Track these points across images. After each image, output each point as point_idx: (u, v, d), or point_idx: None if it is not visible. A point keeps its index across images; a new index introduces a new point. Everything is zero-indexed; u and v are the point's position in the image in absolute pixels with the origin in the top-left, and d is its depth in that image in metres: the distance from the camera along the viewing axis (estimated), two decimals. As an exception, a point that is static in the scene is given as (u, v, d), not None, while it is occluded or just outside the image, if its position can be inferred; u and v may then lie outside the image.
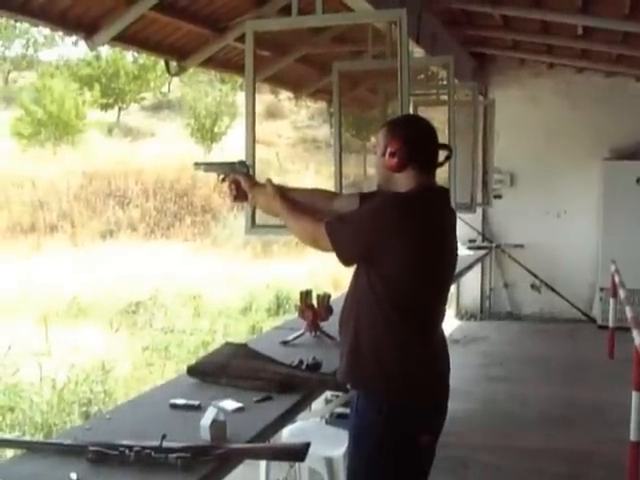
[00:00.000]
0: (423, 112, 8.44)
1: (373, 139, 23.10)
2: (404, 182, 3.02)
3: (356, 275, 3.07)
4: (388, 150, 3.00)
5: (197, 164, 3.53)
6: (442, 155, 3.14)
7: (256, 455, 2.94)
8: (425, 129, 3.13)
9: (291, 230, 3.25)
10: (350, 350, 3.02)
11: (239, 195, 3.31)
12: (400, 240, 2.86)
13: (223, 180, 3.35)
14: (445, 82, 7.41)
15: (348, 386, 3.13)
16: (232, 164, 3.38)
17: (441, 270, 3.06)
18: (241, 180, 3.30)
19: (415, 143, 3.02)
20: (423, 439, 3.00)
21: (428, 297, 3.02)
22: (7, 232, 21.64)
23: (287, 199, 3.23)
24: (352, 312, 3.04)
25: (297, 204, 3.23)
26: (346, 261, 3.01)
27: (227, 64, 7.79)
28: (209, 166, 3.46)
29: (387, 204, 2.98)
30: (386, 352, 2.95)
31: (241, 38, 5.87)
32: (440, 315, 3.14)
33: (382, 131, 3.08)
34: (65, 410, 7.62)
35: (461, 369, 7.91)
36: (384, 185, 3.09)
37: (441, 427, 3.12)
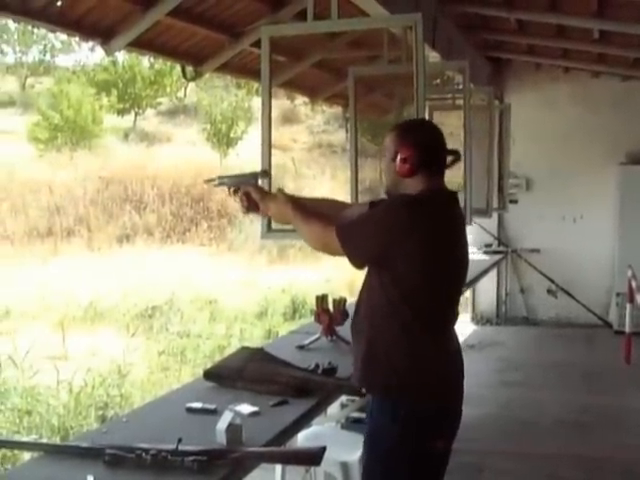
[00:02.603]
0: (438, 117, 8.44)
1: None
2: (414, 186, 3.02)
3: (368, 278, 3.07)
4: (399, 156, 2.99)
5: (212, 179, 3.50)
6: (448, 158, 3.15)
7: (272, 459, 2.95)
8: (434, 134, 3.14)
9: (302, 235, 3.24)
10: (364, 354, 3.02)
11: (250, 206, 3.32)
12: (410, 242, 2.87)
13: (235, 192, 3.35)
14: (461, 87, 7.40)
15: (363, 390, 3.14)
16: (251, 174, 3.39)
17: (452, 272, 3.06)
18: (251, 191, 3.30)
19: (425, 148, 3.02)
20: (437, 443, 2.99)
21: (440, 299, 3.01)
22: (24, 237, 21.71)
23: (298, 206, 3.24)
24: (365, 316, 3.05)
25: (308, 210, 3.23)
26: (358, 264, 3.02)
27: (243, 69, 7.83)
28: (222, 179, 3.45)
29: (397, 206, 2.99)
30: (399, 355, 2.95)
31: (257, 43, 5.88)
32: (453, 318, 3.13)
33: (391, 136, 3.08)
34: (82, 413, 7.65)
35: (477, 374, 7.88)
36: (393, 190, 3.08)
37: (455, 431, 3.12)
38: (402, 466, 2.95)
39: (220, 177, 3.44)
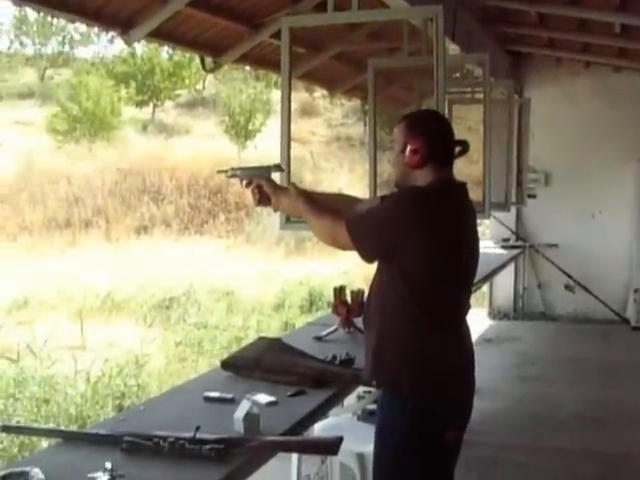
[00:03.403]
0: (458, 110, 8.42)
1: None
2: (423, 177, 3.01)
3: (378, 272, 3.06)
4: (409, 147, 2.98)
5: (225, 170, 3.51)
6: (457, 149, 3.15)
7: (289, 448, 2.96)
8: (443, 124, 3.15)
9: (313, 229, 3.25)
10: (374, 347, 3.02)
11: (262, 199, 3.32)
12: (420, 234, 2.86)
13: (247, 185, 3.36)
14: (480, 80, 7.38)
15: (373, 383, 3.14)
16: (265, 168, 3.39)
17: (462, 264, 3.05)
18: (264, 184, 3.31)
19: (435, 139, 3.01)
20: (448, 435, 3.00)
21: (449, 293, 3.00)
22: (42, 227, 21.83)
23: (310, 200, 3.24)
24: (375, 310, 3.05)
25: (320, 205, 3.23)
26: (367, 258, 3.02)
27: (262, 61, 7.82)
28: (234, 171, 3.46)
29: (404, 199, 2.98)
30: (409, 349, 2.95)
31: (276, 34, 5.88)
32: (463, 310, 3.13)
33: (399, 127, 3.07)
34: (99, 403, 7.69)
35: (493, 368, 7.88)
36: (402, 181, 3.07)
37: (467, 422, 3.12)
38: (412, 458, 2.96)
39: (233, 169, 3.44)
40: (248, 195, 3.41)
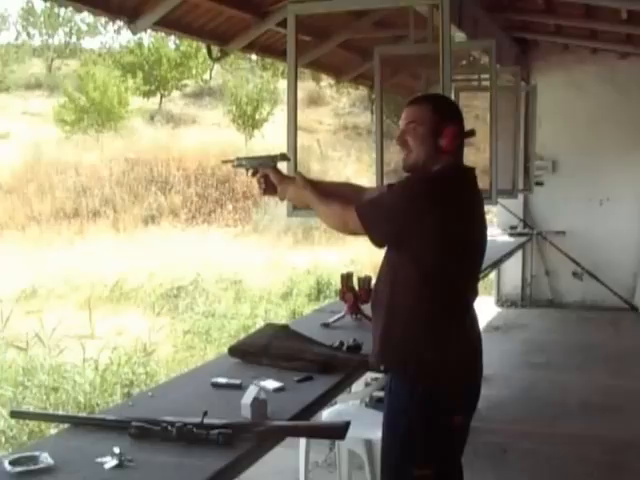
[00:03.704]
0: (464, 98, 8.42)
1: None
2: (443, 162, 2.99)
3: (387, 257, 3.06)
4: (448, 131, 2.95)
5: (230, 160, 3.51)
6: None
7: (296, 433, 2.96)
8: (459, 110, 3.17)
9: (321, 216, 3.24)
10: (383, 332, 3.02)
11: (268, 188, 3.33)
12: (433, 218, 2.85)
13: (253, 174, 3.37)
14: (487, 67, 7.37)
15: (381, 368, 3.14)
16: (271, 157, 3.39)
17: (471, 250, 3.05)
18: (270, 174, 3.31)
19: (462, 122, 3.04)
20: (456, 419, 3.00)
21: (458, 278, 3.00)
22: (51, 218, 21.88)
23: (316, 188, 3.24)
24: (384, 293, 3.04)
25: (327, 192, 3.24)
26: (378, 243, 3.01)
27: (269, 49, 7.82)
28: (240, 160, 3.46)
29: (420, 183, 2.98)
30: (419, 333, 2.96)
31: (283, 23, 5.88)
32: (471, 296, 3.13)
33: (424, 108, 3.03)
34: (107, 391, 7.71)
35: (501, 356, 7.90)
36: (426, 163, 3.00)
37: (474, 407, 3.13)
38: (420, 442, 2.96)
39: (238, 158, 3.45)
40: (255, 184, 3.42)
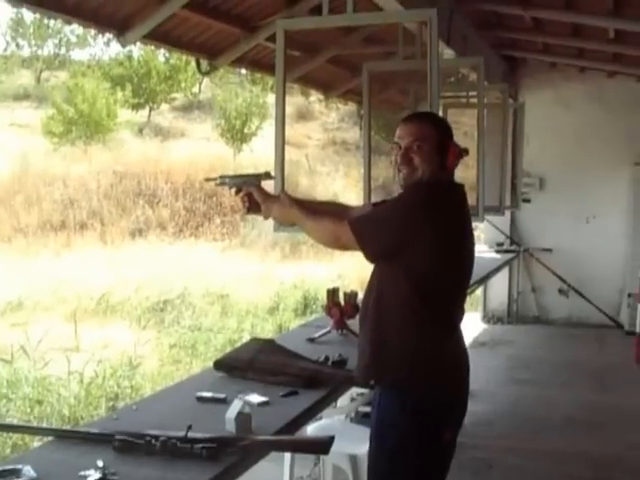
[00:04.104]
0: (452, 114, 8.44)
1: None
2: (444, 177, 3.05)
3: (377, 271, 3.07)
4: (453, 149, 3.02)
5: (213, 178, 3.50)
6: None
7: (280, 447, 2.96)
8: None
9: (310, 232, 3.23)
10: (374, 346, 3.03)
11: (252, 207, 3.33)
12: (427, 231, 2.87)
13: (237, 193, 3.36)
14: (475, 84, 7.40)
15: (372, 382, 3.14)
16: (255, 175, 3.40)
17: (462, 263, 3.07)
18: (254, 192, 3.32)
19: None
20: (445, 435, 3.01)
21: (451, 291, 3.03)
22: (38, 230, 21.79)
23: (303, 206, 3.25)
24: (375, 307, 3.04)
25: (313, 209, 3.25)
26: (373, 257, 3.02)
27: (258, 64, 7.85)
28: (223, 179, 3.46)
29: (413, 195, 3.00)
30: (410, 347, 2.96)
31: (272, 38, 5.90)
32: (460, 313, 3.14)
33: (430, 126, 3.06)
34: (92, 404, 7.69)
35: (487, 371, 7.90)
36: (429, 179, 3.01)
37: (461, 423, 3.14)
38: (411, 457, 2.96)
39: (222, 176, 3.45)
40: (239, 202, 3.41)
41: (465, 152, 3.14)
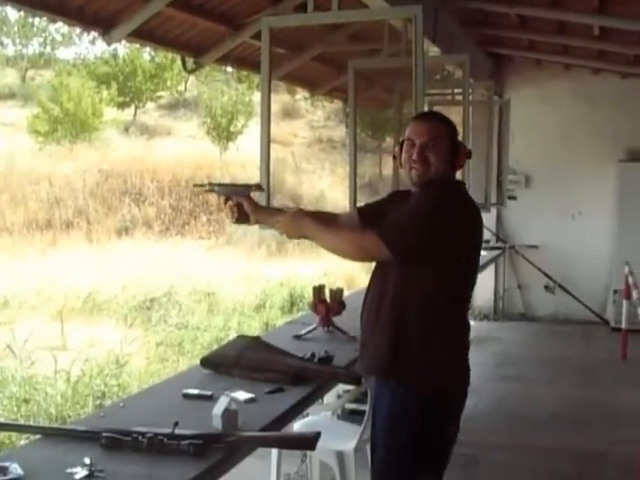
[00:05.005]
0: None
1: (389, 139, 23.15)
2: (453, 177, 3.14)
3: (397, 270, 3.04)
4: (463, 148, 3.09)
5: (202, 185, 3.49)
6: None
7: (267, 443, 2.96)
8: None
9: (327, 243, 3.17)
10: (391, 342, 3.02)
11: (241, 217, 3.34)
12: (456, 234, 2.92)
13: (225, 202, 3.37)
14: (461, 81, 7.41)
15: (366, 378, 3.16)
16: (246, 186, 3.40)
17: (478, 259, 3.15)
18: (244, 203, 3.32)
19: None
20: (451, 429, 3.07)
21: (469, 288, 3.12)
22: (23, 228, 21.74)
23: (317, 218, 3.24)
24: (394, 305, 3.03)
25: (327, 220, 3.26)
26: (407, 262, 2.99)
27: (243, 61, 7.86)
28: (212, 186, 3.45)
29: (440, 202, 2.99)
30: (433, 342, 3.00)
31: (257, 35, 5.90)
32: (469, 306, 3.25)
33: (443, 126, 3.09)
34: (79, 402, 7.67)
35: (474, 368, 7.84)
36: (442, 179, 3.05)
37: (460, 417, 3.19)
38: (422, 451, 3.01)
39: (211, 184, 3.45)
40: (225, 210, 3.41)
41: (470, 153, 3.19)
